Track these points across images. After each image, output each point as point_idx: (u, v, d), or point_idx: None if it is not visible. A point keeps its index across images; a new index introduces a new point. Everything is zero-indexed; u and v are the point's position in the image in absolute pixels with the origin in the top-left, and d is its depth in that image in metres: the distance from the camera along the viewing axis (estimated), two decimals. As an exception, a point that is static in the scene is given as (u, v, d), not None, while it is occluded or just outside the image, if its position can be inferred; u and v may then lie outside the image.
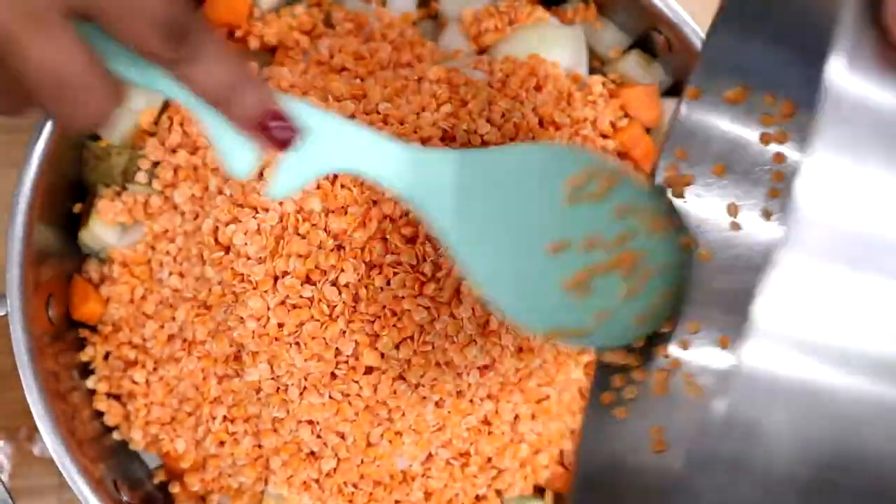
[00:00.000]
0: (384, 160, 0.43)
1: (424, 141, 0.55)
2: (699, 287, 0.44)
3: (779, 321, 0.30)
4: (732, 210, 0.44)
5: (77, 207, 0.61)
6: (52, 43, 0.35)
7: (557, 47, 0.62)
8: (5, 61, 0.35)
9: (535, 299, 0.45)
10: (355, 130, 0.43)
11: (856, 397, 0.30)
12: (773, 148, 0.42)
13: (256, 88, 0.39)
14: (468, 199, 0.44)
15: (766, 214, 0.42)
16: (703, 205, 0.45)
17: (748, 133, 0.44)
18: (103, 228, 0.60)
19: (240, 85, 0.39)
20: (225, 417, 0.58)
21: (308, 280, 0.53)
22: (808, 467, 0.31)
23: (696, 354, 0.43)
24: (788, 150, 0.42)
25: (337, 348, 0.53)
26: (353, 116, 0.56)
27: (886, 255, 0.30)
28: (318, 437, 0.56)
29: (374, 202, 0.53)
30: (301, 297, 0.53)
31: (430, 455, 0.58)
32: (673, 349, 0.44)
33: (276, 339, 0.53)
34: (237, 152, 0.41)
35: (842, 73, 0.30)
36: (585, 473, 0.41)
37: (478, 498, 0.61)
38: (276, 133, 0.40)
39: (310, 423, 0.56)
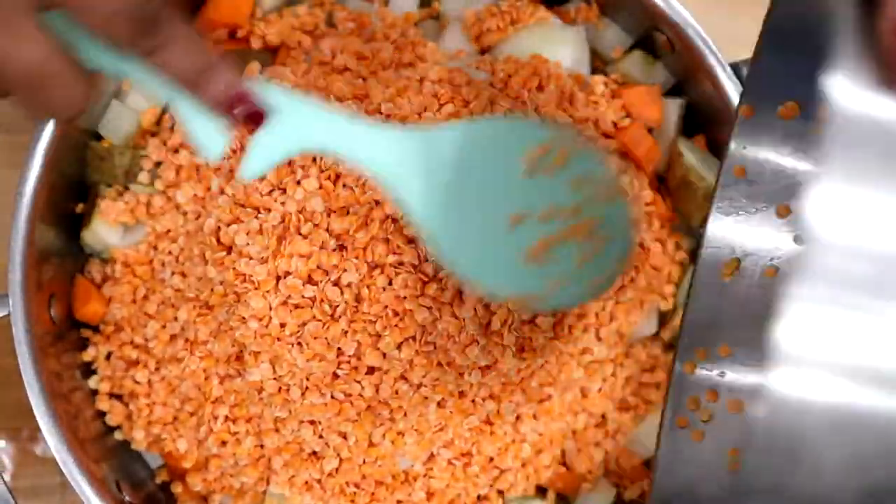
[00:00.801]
0: (350, 138, 0.44)
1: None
2: (728, 308, 0.44)
3: (803, 345, 0.30)
4: (783, 211, 0.43)
5: (79, 207, 0.61)
6: (16, 38, 0.36)
7: (559, 47, 0.61)
8: None
9: (497, 269, 0.47)
10: (320, 110, 0.44)
11: None
12: None
13: (225, 71, 0.41)
14: (433, 173, 0.46)
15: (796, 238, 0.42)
16: (750, 223, 0.45)
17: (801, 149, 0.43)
18: (105, 228, 0.60)
19: (209, 67, 0.40)
20: (227, 417, 0.58)
21: (310, 280, 0.53)
22: (855, 490, 0.30)
23: (733, 376, 0.43)
24: None
25: (339, 348, 0.53)
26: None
27: None
28: (320, 437, 0.56)
29: (377, 202, 0.53)
30: (303, 297, 0.53)
31: (431, 455, 0.58)
32: (715, 371, 0.44)
33: (278, 338, 0.53)
34: (209, 135, 0.42)
35: (845, 91, 0.29)
36: (661, 498, 0.41)
37: (480, 498, 0.61)
38: (244, 113, 0.42)
39: (312, 423, 0.56)
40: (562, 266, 0.47)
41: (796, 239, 0.43)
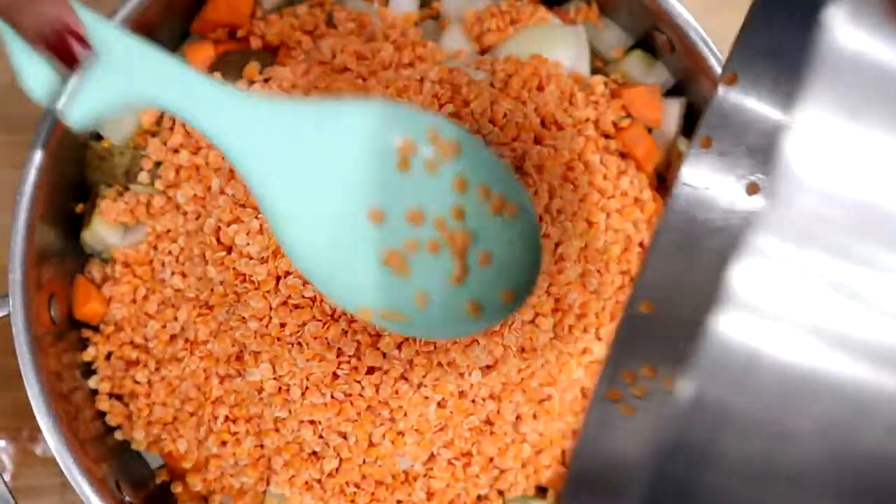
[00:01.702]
0: (194, 96, 0.38)
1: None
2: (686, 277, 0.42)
3: (760, 292, 0.27)
4: (752, 189, 0.42)
5: (79, 207, 0.61)
6: None
7: (559, 47, 0.62)
8: None
9: (353, 274, 0.41)
10: (160, 57, 0.38)
11: (856, 385, 0.27)
12: None
13: None
14: (289, 155, 0.40)
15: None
16: (719, 180, 0.43)
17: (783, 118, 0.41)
18: (106, 228, 0.60)
19: None
20: (227, 417, 0.58)
21: (310, 280, 0.53)
22: (830, 461, 0.28)
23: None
24: None
25: (339, 348, 0.53)
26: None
27: (885, 222, 0.27)
28: (320, 437, 0.56)
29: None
30: (303, 296, 0.53)
31: (432, 455, 0.58)
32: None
33: (278, 338, 0.53)
34: (35, 70, 0.37)
35: (841, 27, 0.28)
36: (581, 468, 0.39)
37: (480, 498, 0.61)
38: (65, 48, 0.35)
39: (312, 423, 0.56)
40: (426, 281, 0.40)
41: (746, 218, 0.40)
